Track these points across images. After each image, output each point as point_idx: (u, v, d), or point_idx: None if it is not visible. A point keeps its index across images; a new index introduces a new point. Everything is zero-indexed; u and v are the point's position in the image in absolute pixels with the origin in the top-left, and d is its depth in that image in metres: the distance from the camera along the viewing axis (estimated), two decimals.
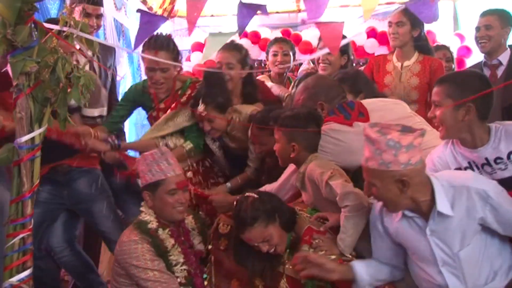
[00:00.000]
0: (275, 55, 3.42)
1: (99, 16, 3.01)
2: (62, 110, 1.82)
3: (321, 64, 3.11)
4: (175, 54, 2.69)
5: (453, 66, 3.68)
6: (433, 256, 1.76)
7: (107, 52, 3.22)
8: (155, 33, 2.36)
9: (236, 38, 2.83)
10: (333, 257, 1.90)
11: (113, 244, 2.50)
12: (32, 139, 1.77)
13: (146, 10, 4.60)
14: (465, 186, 1.71)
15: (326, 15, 1.77)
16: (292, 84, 3.09)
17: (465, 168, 1.97)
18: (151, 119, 2.85)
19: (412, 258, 1.86)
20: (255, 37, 5.52)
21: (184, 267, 2.12)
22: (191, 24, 1.72)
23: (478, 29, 3.13)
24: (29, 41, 1.70)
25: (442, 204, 1.70)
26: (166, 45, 2.61)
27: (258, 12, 1.71)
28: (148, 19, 1.77)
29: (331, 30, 1.68)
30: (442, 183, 1.73)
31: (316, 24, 1.73)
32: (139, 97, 2.82)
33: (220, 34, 1.68)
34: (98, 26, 3.03)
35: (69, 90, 1.77)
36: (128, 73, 4.69)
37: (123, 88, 4.06)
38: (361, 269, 1.90)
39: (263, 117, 2.43)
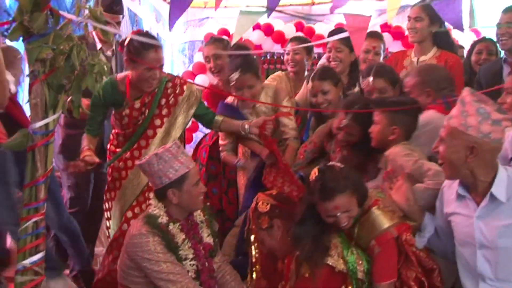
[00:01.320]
0: (287, 54, 3.46)
1: (118, 24, 3.08)
2: (76, 97, 1.84)
3: (332, 63, 3.11)
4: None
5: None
6: (473, 238, 1.78)
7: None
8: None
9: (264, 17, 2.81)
10: (397, 219, 1.99)
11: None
12: (46, 125, 1.79)
13: None
14: None
15: (341, 9, 1.76)
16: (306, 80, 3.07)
17: None
18: (120, 116, 2.67)
19: (455, 240, 1.89)
20: (268, 30, 5.50)
21: (193, 262, 2.12)
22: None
23: (499, 25, 3.08)
24: (45, 28, 1.72)
25: (498, 188, 1.73)
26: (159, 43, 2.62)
27: None
28: None
29: (358, 23, 1.67)
30: (509, 173, 1.75)
31: (345, 16, 1.72)
32: (110, 97, 2.68)
33: (250, 13, 1.65)
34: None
35: None
36: None
37: None
38: (431, 219, 2.00)
39: (363, 107, 2.42)
